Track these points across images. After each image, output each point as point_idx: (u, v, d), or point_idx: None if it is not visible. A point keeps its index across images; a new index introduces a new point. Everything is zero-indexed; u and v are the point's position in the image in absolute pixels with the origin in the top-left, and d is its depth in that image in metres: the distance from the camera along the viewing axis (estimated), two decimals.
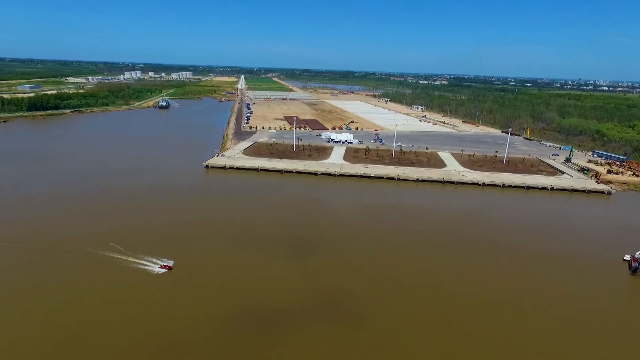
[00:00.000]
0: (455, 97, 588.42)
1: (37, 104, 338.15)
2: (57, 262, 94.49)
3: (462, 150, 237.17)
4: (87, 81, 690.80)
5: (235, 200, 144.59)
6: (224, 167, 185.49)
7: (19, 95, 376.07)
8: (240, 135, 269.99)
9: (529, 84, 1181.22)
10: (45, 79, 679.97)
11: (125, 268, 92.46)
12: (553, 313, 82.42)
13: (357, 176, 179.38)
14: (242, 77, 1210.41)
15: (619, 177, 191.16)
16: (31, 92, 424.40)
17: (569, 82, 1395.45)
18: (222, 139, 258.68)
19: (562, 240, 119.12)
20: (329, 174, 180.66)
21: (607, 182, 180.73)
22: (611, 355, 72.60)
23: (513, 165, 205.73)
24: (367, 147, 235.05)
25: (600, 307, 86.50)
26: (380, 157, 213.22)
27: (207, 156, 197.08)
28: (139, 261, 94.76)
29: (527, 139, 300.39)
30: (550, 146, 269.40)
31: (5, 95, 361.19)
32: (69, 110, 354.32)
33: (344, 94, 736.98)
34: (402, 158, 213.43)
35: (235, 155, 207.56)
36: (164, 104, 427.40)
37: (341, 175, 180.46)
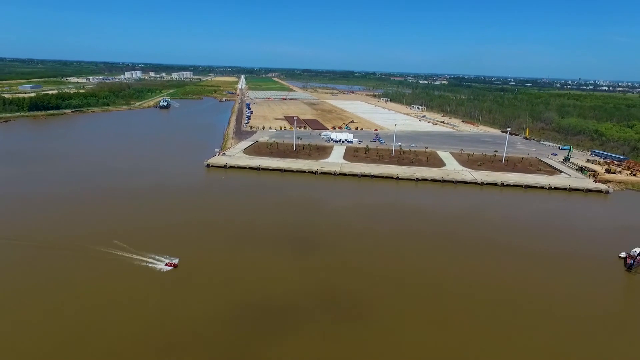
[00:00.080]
0: (455, 97, 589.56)
1: (38, 104, 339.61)
2: (63, 260, 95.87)
3: (462, 150, 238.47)
4: (87, 81, 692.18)
5: (236, 199, 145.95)
6: (224, 167, 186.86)
7: (20, 95, 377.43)
8: (240, 134, 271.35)
9: (528, 84, 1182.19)
10: (46, 79, 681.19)
11: (131, 266, 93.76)
12: (550, 310, 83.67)
13: (356, 175, 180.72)
14: (243, 77, 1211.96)
15: (617, 177, 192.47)
16: (32, 92, 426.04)
17: (569, 82, 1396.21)
18: (223, 138, 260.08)
19: (560, 239, 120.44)
20: (329, 173, 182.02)
21: (605, 182, 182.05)
22: (608, 350, 73.94)
23: (512, 165, 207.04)
24: (367, 146, 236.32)
25: (597, 304, 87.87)
26: (380, 157, 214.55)
27: (207, 155, 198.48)
28: (145, 259, 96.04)
29: (526, 138, 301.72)
30: (549, 146, 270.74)
31: (6, 95, 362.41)
32: (70, 110, 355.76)
33: (344, 93, 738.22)
34: (401, 157, 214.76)
35: (235, 154, 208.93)
36: (165, 103, 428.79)
37: (341, 174, 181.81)
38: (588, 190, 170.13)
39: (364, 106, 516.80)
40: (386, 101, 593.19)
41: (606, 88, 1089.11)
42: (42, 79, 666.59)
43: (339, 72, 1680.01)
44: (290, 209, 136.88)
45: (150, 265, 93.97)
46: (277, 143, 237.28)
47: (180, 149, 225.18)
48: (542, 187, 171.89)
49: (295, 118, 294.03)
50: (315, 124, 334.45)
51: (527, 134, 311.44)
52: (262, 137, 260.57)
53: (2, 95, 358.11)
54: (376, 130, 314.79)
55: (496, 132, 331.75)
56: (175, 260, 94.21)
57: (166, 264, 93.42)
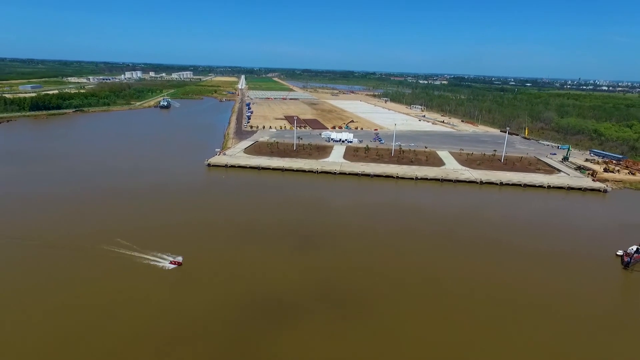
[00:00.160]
0: (454, 97, 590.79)
1: (39, 104, 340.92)
2: (69, 258, 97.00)
3: (461, 149, 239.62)
4: (88, 81, 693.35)
5: (237, 198, 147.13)
6: (225, 166, 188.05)
7: (21, 95, 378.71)
8: (241, 134, 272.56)
9: (528, 84, 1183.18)
10: (47, 79, 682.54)
11: (136, 264, 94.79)
12: (549, 308, 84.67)
13: (356, 174, 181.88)
14: (243, 77, 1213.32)
15: (615, 176, 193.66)
16: (33, 92, 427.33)
17: (569, 82, 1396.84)
18: (223, 138, 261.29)
19: (558, 237, 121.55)
20: (329, 173, 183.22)
21: (604, 181, 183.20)
22: (604, 346, 75.13)
23: (511, 164, 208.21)
24: (367, 146, 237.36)
25: (595, 301, 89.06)
26: (380, 156, 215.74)
27: (208, 155, 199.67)
28: (149, 257, 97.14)
29: (525, 138, 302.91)
30: (548, 145, 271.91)
31: (7, 95, 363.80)
32: (71, 110, 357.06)
33: (344, 93, 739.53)
34: (401, 157, 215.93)
35: (236, 154, 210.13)
36: (165, 103, 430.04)
37: (341, 173, 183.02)
38: (586, 189, 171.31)
39: (364, 106, 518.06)
40: (386, 101, 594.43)
41: (606, 88, 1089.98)
42: (43, 79, 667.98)
43: (339, 72, 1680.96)
44: (291, 207, 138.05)
45: (155, 263, 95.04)
46: (277, 143, 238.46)
47: (181, 148, 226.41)
48: (541, 186, 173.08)
49: (295, 118, 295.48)
50: (316, 124, 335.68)
51: (526, 133, 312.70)
52: (263, 137, 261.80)
53: (3, 95, 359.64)
54: (376, 130, 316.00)
55: (495, 131, 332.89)
56: (180, 259, 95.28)
57: (170, 262, 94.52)
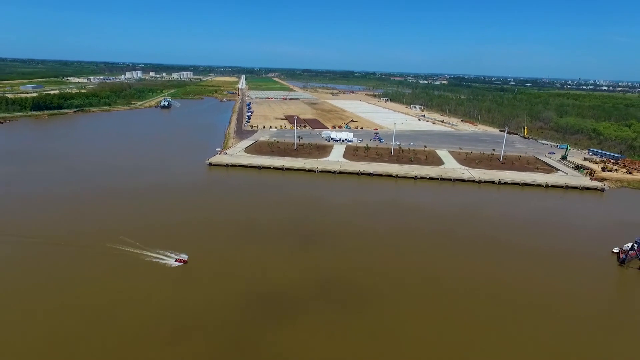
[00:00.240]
0: (454, 97, 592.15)
1: (40, 104, 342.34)
2: (75, 255, 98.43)
3: (460, 149, 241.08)
4: (88, 81, 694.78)
5: (238, 197, 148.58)
6: (226, 165, 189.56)
7: (23, 95, 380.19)
8: (241, 134, 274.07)
9: (528, 84, 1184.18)
10: (47, 79, 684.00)
11: (141, 262, 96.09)
12: (547, 305, 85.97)
13: (356, 173, 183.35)
14: (243, 77, 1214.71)
15: (613, 175, 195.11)
16: (34, 92, 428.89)
17: (569, 82, 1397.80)
18: (224, 137, 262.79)
19: (556, 235, 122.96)
20: (329, 172, 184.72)
21: (602, 180, 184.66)
22: (601, 341, 76.65)
23: (510, 163, 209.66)
24: (367, 145, 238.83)
25: (592, 297, 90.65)
26: (380, 155, 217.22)
27: (209, 154, 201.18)
28: (154, 255, 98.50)
29: (524, 137, 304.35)
30: (547, 145, 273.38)
31: (9, 95, 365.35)
32: (72, 110, 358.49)
33: (344, 93, 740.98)
34: (400, 156, 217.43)
35: (237, 153, 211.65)
36: (166, 103, 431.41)
37: (341, 172, 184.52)
38: (584, 188, 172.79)
39: (364, 106, 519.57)
40: (386, 101, 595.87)
41: (606, 88, 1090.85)
42: (43, 79, 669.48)
43: (339, 72, 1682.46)
44: (291, 206, 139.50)
45: (160, 261, 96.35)
46: (277, 142, 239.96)
47: (182, 148, 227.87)
48: (539, 185, 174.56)
49: (295, 117, 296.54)
50: (316, 124, 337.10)
51: (525, 133, 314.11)
52: (263, 136, 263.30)
53: (5, 95, 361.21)
54: (376, 129, 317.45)
55: (495, 131, 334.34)
56: (185, 257, 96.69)
57: (176, 260, 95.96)
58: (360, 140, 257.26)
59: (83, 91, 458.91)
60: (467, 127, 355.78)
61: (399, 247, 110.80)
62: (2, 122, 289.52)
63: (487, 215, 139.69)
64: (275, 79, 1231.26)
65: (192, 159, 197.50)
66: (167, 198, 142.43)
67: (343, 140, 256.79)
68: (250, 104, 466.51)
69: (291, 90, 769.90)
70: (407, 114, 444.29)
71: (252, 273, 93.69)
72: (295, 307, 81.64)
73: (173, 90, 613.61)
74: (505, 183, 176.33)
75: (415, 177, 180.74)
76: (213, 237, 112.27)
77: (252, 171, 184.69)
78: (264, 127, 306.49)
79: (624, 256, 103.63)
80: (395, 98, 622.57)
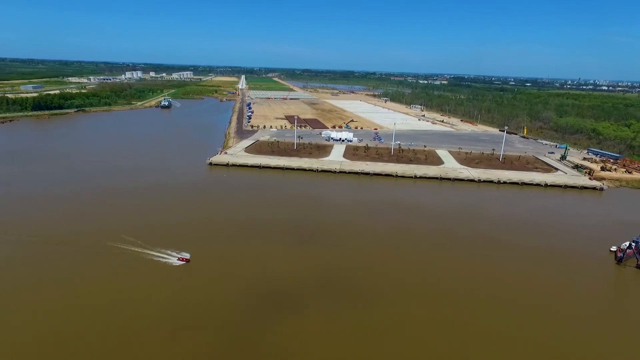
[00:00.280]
0: (454, 97, 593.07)
1: (41, 104, 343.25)
2: (77, 254, 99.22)
3: (460, 148, 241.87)
4: (88, 81, 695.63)
5: (239, 196, 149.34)
6: (227, 165, 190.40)
7: (23, 95, 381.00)
8: (242, 134, 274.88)
9: (528, 84, 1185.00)
10: (47, 79, 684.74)
11: (144, 260, 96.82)
12: (546, 302, 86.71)
13: (356, 173, 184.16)
14: (243, 77, 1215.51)
15: (612, 174, 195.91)
16: (34, 92, 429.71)
17: (569, 82, 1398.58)
18: (224, 137, 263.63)
19: (555, 234, 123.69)
20: (329, 171, 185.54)
21: (600, 179, 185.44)
22: (601, 340, 77.39)
23: (509, 163, 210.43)
24: (367, 145, 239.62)
25: (590, 295, 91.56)
26: (379, 155, 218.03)
27: (210, 154, 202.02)
28: (157, 254, 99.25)
29: (524, 137, 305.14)
30: (547, 144, 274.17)
31: (9, 95, 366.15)
32: (72, 110, 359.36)
33: (344, 93, 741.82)
34: (400, 156, 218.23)
35: (237, 153, 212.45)
36: (166, 103, 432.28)
37: (341, 172, 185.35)
38: (583, 188, 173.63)
39: (364, 106, 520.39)
40: (386, 101, 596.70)
41: (606, 88, 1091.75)
42: (44, 79, 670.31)
43: (339, 72, 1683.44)
44: (291, 206, 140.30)
45: (163, 260, 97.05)
46: (278, 142, 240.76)
47: (183, 147, 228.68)
48: (538, 185, 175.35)
49: (295, 117, 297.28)
50: (316, 123, 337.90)
51: (525, 133, 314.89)
52: (263, 136, 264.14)
53: (5, 95, 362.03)
54: (376, 129, 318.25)
55: (494, 131, 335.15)
56: (187, 255, 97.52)
57: (178, 259, 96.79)
58: (360, 140, 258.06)
59: (83, 91, 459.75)
60: (466, 127, 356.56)
61: (398, 246, 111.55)
62: (3, 122, 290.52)
63: (486, 214, 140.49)
64: (275, 79, 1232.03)
65: (193, 159, 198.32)
66: (169, 197, 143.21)
67: (343, 140, 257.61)
68: (250, 104, 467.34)
69: (291, 90, 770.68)
70: (407, 114, 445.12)
71: (254, 271, 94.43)
72: (295, 305, 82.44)
73: (173, 90, 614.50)
74: (505, 182, 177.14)
75: (415, 177, 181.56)
76: (214, 236, 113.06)
77: (253, 170, 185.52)
78: (264, 127, 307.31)
79: (622, 255, 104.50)
80: (395, 98, 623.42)
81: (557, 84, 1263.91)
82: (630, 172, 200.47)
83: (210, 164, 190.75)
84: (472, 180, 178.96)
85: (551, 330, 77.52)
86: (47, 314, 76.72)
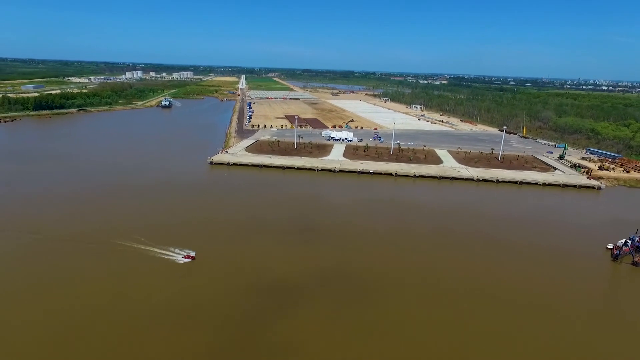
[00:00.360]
0: (454, 97, 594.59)
1: (42, 104, 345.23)
2: (82, 251, 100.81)
3: (459, 148, 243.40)
4: (89, 81, 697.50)
5: (241, 195, 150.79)
6: (227, 164, 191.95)
7: (25, 95, 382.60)
8: (242, 133, 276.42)
9: (528, 84, 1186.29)
10: (48, 79, 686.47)
11: (151, 258, 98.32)
12: (544, 298, 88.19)
13: (356, 172, 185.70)
14: (243, 77, 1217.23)
15: (610, 173, 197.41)
16: (35, 92, 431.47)
17: (569, 82, 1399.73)
18: (225, 137, 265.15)
19: (552, 232, 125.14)
20: (329, 170, 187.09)
21: (598, 178, 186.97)
22: (598, 336, 78.95)
23: (508, 162, 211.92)
24: (367, 144, 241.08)
25: (586, 292, 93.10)
26: (379, 154, 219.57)
27: (211, 153, 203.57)
28: (163, 252, 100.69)
29: (523, 137, 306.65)
30: (545, 144, 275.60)
31: (11, 95, 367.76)
32: (73, 110, 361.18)
33: (344, 93, 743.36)
34: (400, 155, 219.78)
35: (238, 152, 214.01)
36: (167, 103, 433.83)
37: (341, 171, 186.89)
38: (581, 187, 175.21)
39: (364, 105, 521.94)
40: (386, 101, 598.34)
41: (605, 88, 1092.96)
42: (44, 79, 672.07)
43: (339, 72, 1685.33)
44: (292, 204, 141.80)
45: (168, 257, 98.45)
46: (278, 141, 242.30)
47: (184, 147, 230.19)
48: (536, 184, 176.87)
49: (296, 117, 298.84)
50: (316, 123, 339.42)
51: (524, 132, 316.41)
52: (264, 136, 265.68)
53: (7, 95, 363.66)
54: (375, 129, 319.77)
55: (494, 130, 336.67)
56: (192, 253, 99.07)
57: (184, 257, 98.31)
58: (360, 140, 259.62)
59: (84, 91, 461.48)
60: (466, 127, 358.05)
61: (398, 244, 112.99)
62: (5, 122, 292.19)
63: (484, 213, 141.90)
64: (276, 78, 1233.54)
65: (194, 158, 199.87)
66: (172, 196, 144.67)
67: (343, 140, 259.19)
68: (250, 103, 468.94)
69: (291, 90, 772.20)
70: (406, 113, 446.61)
71: (255, 270, 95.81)
72: (296, 303, 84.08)
73: (174, 90, 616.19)
74: (503, 181, 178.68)
75: (414, 176, 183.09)
76: (217, 234, 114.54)
77: (254, 170, 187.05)
78: (265, 126, 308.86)
79: (617, 252, 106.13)
80: (395, 98, 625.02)
81: (557, 84, 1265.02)
82: (627, 172, 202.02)
83: (211, 163, 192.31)
84: (470, 180, 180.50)
85: (549, 328, 78.79)
86: (52, 312, 78.11)
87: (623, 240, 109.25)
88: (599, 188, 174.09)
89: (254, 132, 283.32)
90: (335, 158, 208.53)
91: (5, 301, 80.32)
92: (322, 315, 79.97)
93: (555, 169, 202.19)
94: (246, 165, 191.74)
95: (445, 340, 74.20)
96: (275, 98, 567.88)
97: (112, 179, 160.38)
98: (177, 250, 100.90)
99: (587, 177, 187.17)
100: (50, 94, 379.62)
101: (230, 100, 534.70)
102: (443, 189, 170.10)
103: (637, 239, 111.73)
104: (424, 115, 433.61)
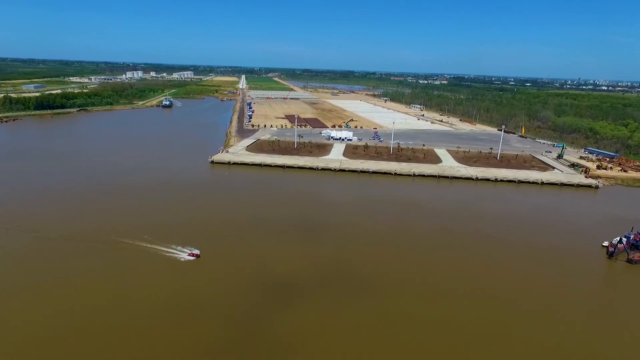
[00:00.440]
0: (453, 97, 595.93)
1: (44, 103, 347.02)
2: (87, 250, 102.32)
3: (458, 147, 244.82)
4: (89, 81, 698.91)
5: (242, 194, 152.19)
6: (228, 163, 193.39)
7: (26, 95, 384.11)
8: (242, 133, 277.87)
9: (528, 84, 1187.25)
10: (49, 79, 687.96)
11: (156, 256, 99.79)
12: (542, 295, 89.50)
13: (356, 171, 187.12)
14: (243, 76, 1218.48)
15: (608, 173, 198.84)
16: (36, 92, 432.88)
17: (569, 82, 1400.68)
18: (226, 136, 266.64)
19: (550, 231, 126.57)
20: (329, 169, 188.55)
21: (596, 177, 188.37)
22: (596, 333, 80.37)
23: (506, 162, 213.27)
24: (366, 144, 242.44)
25: (583, 288, 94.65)
26: (379, 154, 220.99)
27: (211, 153, 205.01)
28: (167, 250, 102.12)
29: (521, 136, 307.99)
30: (544, 143, 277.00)
31: (12, 95, 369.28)
32: (74, 109, 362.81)
33: (344, 93, 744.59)
34: (399, 154, 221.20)
35: (238, 151, 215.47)
36: (167, 103, 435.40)
37: (341, 170, 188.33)
38: (578, 186, 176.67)
39: (364, 105, 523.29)
40: (386, 101, 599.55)
41: (605, 88, 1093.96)
42: (45, 79, 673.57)
43: (339, 72, 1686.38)
44: (293, 203, 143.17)
45: (173, 255, 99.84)
46: (278, 141, 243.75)
47: (184, 146, 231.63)
48: (535, 183, 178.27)
49: (296, 117, 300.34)
50: (316, 123, 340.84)
51: (523, 132, 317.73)
52: (264, 135, 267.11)
53: (9, 95, 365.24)
54: (375, 128, 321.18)
55: (493, 130, 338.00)
56: (197, 251, 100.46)
57: (189, 255, 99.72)
58: (360, 139, 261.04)
59: (85, 91, 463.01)
60: (465, 127, 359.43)
61: (397, 243, 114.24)
62: (7, 121, 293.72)
63: (483, 211, 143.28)
64: (276, 78, 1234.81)
65: (195, 158, 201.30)
66: (173, 195, 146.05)
67: (343, 139, 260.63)
68: (250, 103, 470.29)
69: (291, 90, 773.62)
70: (406, 113, 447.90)
71: (257, 268, 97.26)
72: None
73: (174, 90, 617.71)
74: (502, 180, 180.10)
75: (414, 175, 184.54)
76: (218, 233, 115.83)
77: (254, 169, 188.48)
78: (265, 126, 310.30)
79: (613, 249, 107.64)
80: (395, 98, 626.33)
81: (557, 84, 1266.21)
82: (625, 171, 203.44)
83: (212, 162, 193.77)
84: (469, 179, 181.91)
85: (548, 326, 79.78)
86: (53, 311, 79.19)
87: (618, 238, 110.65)
88: (597, 187, 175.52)
89: (254, 131, 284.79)
90: (335, 157, 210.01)
91: (6, 300, 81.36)
92: (322, 314, 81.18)
93: (553, 168, 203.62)
94: (247, 164, 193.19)
95: (445, 340, 75.10)
96: (275, 98, 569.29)
97: (113, 179, 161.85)
98: (180, 248, 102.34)
99: (585, 176, 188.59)
100: (52, 94, 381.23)
101: (231, 100, 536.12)
102: (442, 188, 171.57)
103: (632, 236, 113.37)
104: (423, 115, 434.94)
